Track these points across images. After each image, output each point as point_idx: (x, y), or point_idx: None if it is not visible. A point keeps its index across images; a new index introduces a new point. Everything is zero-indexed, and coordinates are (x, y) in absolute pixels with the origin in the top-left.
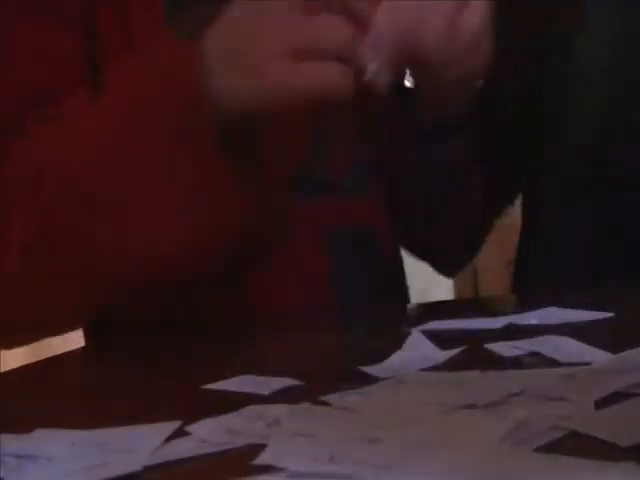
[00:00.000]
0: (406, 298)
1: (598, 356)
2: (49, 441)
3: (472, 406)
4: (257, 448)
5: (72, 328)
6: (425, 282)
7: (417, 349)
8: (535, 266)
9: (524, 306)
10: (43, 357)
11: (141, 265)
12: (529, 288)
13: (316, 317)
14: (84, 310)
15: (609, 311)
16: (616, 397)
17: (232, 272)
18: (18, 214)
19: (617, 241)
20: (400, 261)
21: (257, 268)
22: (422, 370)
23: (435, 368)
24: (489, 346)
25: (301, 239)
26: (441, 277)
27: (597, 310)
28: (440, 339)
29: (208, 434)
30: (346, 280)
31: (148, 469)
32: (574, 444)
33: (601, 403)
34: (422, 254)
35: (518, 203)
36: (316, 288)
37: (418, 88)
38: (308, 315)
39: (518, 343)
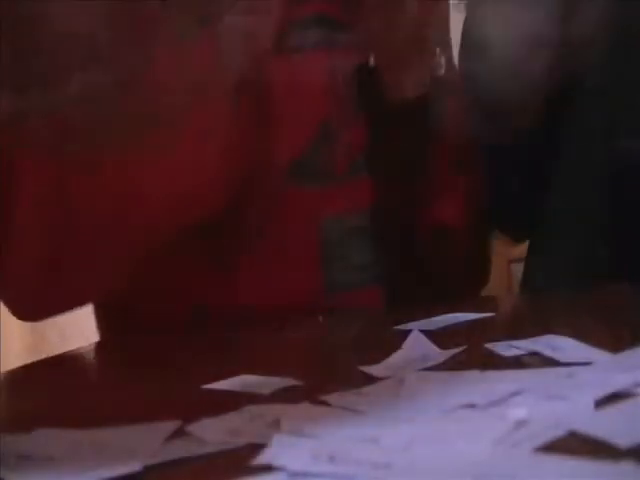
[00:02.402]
0: None
1: (598, 356)
2: (49, 441)
3: (472, 406)
4: (257, 448)
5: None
6: None
7: (417, 349)
8: (539, 266)
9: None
10: (43, 357)
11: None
12: (533, 288)
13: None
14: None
15: (609, 310)
16: (616, 397)
17: (220, 250)
18: None
19: (618, 241)
20: None
21: (243, 249)
22: (422, 370)
23: (435, 368)
24: (489, 346)
25: (294, 227)
26: None
27: (597, 310)
28: (440, 339)
29: (208, 434)
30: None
31: (148, 469)
32: (574, 444)
33: (601, 403)
34: None
35: None
36: (307, 277)
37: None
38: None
39: (518, 343)
